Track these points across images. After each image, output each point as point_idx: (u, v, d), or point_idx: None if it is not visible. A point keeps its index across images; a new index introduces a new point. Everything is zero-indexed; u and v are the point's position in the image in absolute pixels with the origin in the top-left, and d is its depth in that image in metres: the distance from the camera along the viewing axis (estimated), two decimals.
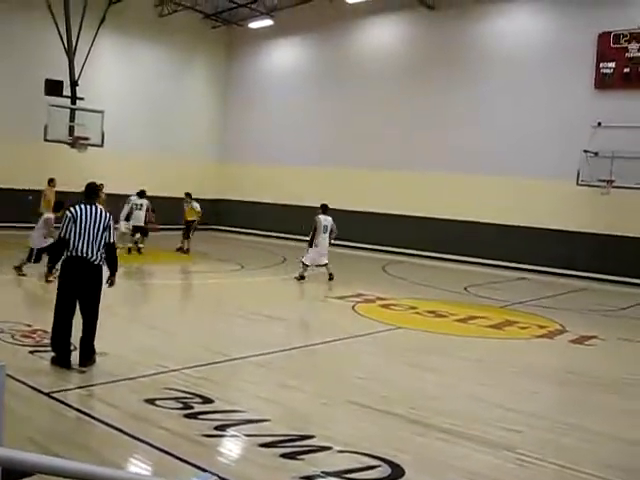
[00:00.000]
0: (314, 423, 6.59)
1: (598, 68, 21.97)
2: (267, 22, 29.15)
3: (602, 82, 21.91)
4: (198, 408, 6.63)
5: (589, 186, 20.55)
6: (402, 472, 5.47)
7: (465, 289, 17.49)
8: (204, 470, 5.18)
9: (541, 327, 12.73)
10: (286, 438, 6.03)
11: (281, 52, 30.24)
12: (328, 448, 5.87)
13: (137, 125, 28.16)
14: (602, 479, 5.67)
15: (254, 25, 29.95)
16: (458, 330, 12.04)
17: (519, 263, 22.04)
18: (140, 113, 28.41)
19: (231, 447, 5.91)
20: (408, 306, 13.87)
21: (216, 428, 6.17)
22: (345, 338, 10.74)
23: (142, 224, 20.38)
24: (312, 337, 10.96)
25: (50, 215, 14.48)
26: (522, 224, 22.30)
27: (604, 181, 20.21)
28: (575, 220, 21.24)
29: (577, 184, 20.64)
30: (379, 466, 5.56)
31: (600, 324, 13.66)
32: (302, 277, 16.81)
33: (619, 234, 20.75)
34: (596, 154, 20.79)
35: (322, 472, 5.38)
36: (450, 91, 24.68)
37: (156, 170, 27.63)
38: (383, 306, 13.89)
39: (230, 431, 6.14)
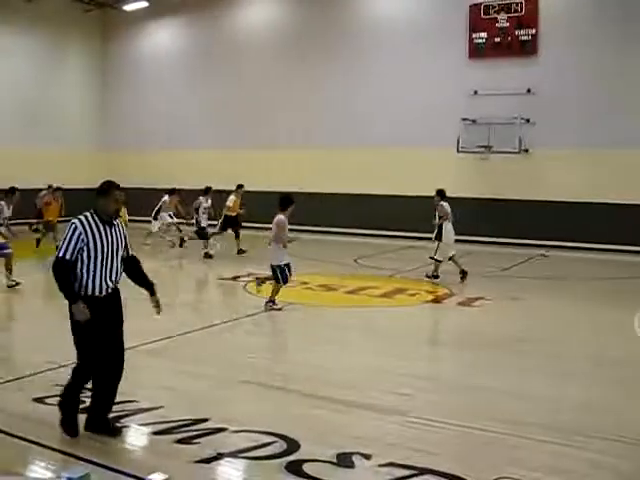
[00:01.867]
0: (208, 406, 6.57)
1: (471, 38, 22.66)
2: (142, 4, 28.34)
3: (475, 52, 22.63)
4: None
5: (469, 153, 21.28)
6: (297, 446, 5.56)
7: (355, 261, 17.80)
8: (98, 464, 5.09)
9: (429, 292, 13.16)
10: (181, 424, 5.99)
11: (159, 34, 29.40)
12: (223, 429, 5.87)
13: (5, 118, 26.67)
14: (494, 433, 5.96)
15: (129, 7, 29.04)
16: (349, 301, 12.29)
17: (407, 232, 22.48)
18: (10, 105, 26.93)
19: (125, 437, 5.83)
20: (299, 282, 14.00)
21: None
22: (237, 319, 10.75)
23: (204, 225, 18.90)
24: (203, 320, 10.86)
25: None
26: (408, 193, 22.78)
27: (482, 147, 20.97)
28: (457, 186, 21.86)
29: (457, 151, 21.33)
30: (275, 442, 5.62)
31: (485, 285, 14.22)
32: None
33: (498, 197, 21.59)
34: (474, 121, 21.52)
35: (218, 453, 5.40)
36: (333, 65, 24.74)
37: (31, 163, 26.22)
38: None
39: (124, 422, 6.05)
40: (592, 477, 5.16)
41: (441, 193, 14.74)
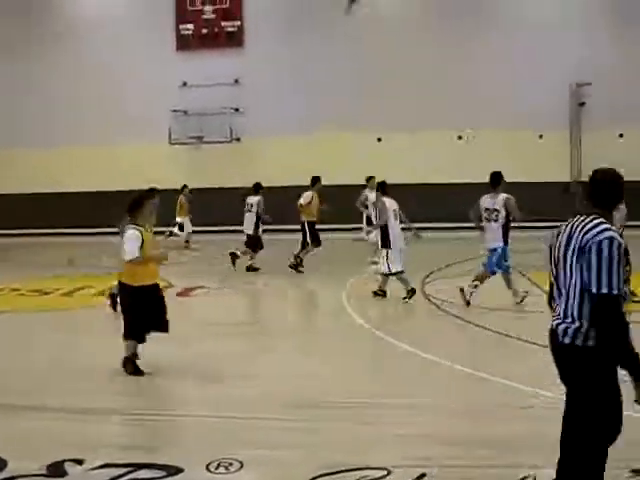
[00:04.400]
0: None
1: (178, 30, 22.67)
2: None
3: (183, 43, 22.70)
4: None
5: (181, 144, 21.35)
6: (4, 463, 5.19)
7: (69, 262, 16.84)
8: None
9: None
10: None
11: None
12: None
13: None
14: (215, 418, 6.08)
15: None
16: (65, 304, 11.77)
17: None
18: None
19: None
20: (10, 289, 13.09)
21: None
22: None
23: (250, 232, 15.16)
24: None
25: None
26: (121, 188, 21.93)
27: (194, 138, 21.16)
28: (170, 178, 21.65)
29: (170, 143, 21.30)
30: None
31: (204, 274, 14.40)
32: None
33: (214, 186, 21.81)
34: (185, 113, 21.62)
35: None
36: None
37: None
38: None
39: None
40: (307, 449, 5.46)
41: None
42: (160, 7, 22.39)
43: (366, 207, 15.34)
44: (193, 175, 21.91)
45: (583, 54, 20.97)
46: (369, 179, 15.36)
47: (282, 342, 9.00)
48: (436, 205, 19.74)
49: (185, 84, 22.03)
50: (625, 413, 3.78)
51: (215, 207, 21.63)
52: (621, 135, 21.63)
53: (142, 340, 7.42)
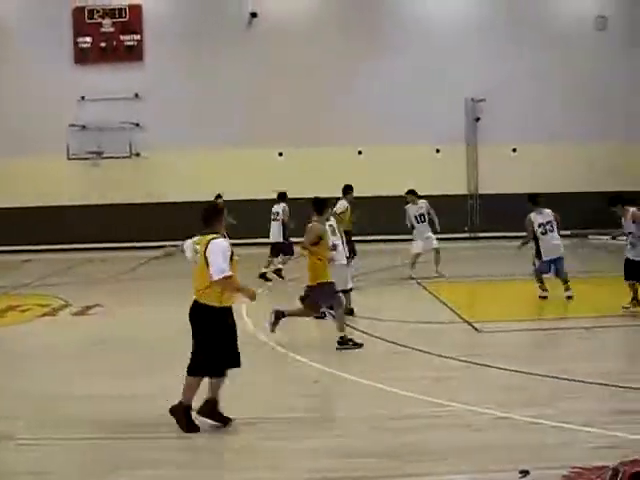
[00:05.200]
0: None
1: (76, 43, 22.16)
2: None
3: (81, 57, 22.19)
4: None
5: (80, 159, 20.83)
6: None
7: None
8: None
9: (43, 306, 12.58)
10: None
11: None
12: None
13: None
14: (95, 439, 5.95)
15: None
16: None
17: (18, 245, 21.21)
18: None
19: None
20: None
21: None
22: None
23: (280, 240, 15.05)
24: None
25: None
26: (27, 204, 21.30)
27: (93, 153, 20.70)
28: (71, 194, 21.27)
29: (68, 158, 20.75)
30: None
31: (103, 292, 14.07)
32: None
33: (111, 203, 21.39)
34: (83, 127, 21.13)
35: None
36: None
37: None
38: None
39: None
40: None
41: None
42: (58, 20, 21.78)
43: None
44: (92, 191, 21.43)
45: (478, 71, 21.78)
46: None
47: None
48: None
49: (83, 98, 21.53)
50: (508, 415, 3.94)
51: (117, 223, 21.24)
52: (514, 150, 22.51)
53: (223, 375, 6.15)
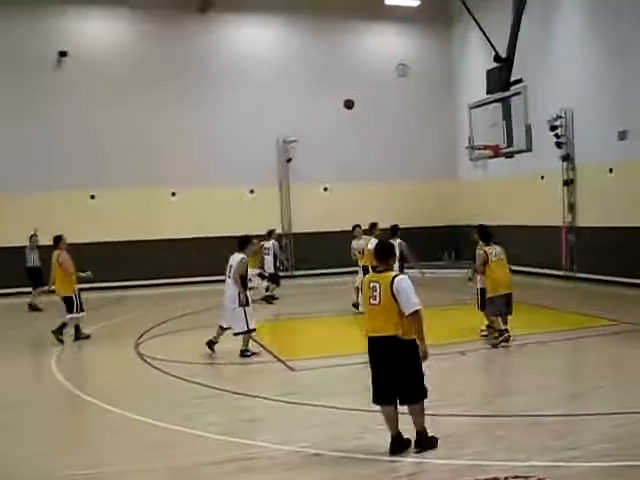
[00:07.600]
0: None
1: None
2: None
3: None
4: None
5: None
6: None
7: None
8: None
9: None
10: None
11: None
12: None
13: None
14: None
15: None
16: None
17: None
18: None
19: None
20: None
21: None
22: None
23: (272, 270, 17.65)
24: None
25: None
26: None
27: None
28: None
29: None
30: None
31: None
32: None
33: None
34: None
35: None
36: None
37: None
38: None
39: None
40: None
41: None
42: None
43: None
44: None
45: (289, 113, 22.54)
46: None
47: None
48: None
49: None
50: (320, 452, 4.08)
51: None
52: (325, 189, 23.38)
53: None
